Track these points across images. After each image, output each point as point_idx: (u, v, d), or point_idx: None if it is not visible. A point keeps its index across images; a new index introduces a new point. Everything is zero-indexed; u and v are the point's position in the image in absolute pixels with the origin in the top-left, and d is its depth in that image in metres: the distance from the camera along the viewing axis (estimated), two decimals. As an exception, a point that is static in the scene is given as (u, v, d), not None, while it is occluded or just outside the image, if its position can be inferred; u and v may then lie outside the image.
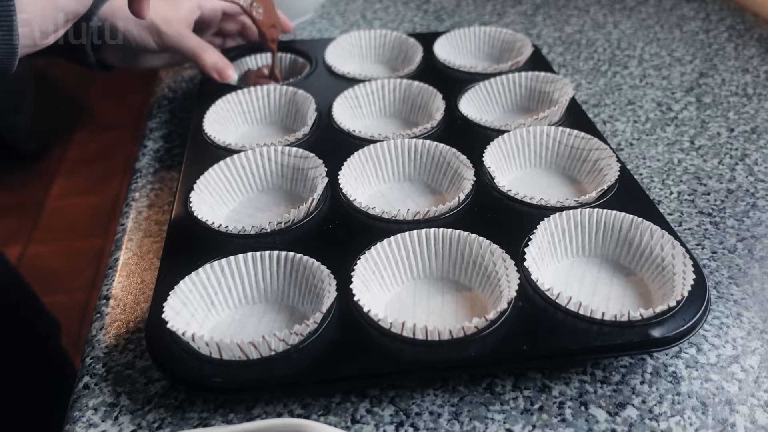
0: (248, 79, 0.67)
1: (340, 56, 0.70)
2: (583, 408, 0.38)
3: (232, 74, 0.63)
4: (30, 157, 1.97)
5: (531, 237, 0.44)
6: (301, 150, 0.53)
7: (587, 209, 0.46)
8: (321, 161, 0.51)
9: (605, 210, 0.45)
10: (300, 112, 0.61)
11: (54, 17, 0.41)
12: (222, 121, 0.61)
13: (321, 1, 0.87)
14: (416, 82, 0.62)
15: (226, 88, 0.65)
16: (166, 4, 0.60)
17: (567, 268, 0.45)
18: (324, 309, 0.39)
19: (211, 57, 0.60)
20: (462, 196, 0.48)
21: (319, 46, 0.71)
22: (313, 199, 0.48)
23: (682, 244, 0.43)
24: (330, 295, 0.40)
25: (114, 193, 1.85)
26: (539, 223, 0.44)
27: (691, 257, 0.42)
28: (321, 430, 0.34)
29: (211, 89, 0.65)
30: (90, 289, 1.53)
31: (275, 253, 0.43)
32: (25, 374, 0.81)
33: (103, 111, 2.23)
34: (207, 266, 0.42)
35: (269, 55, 0.69)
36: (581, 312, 0.39)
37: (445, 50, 0.71)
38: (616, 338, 0.38)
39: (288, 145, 0.54)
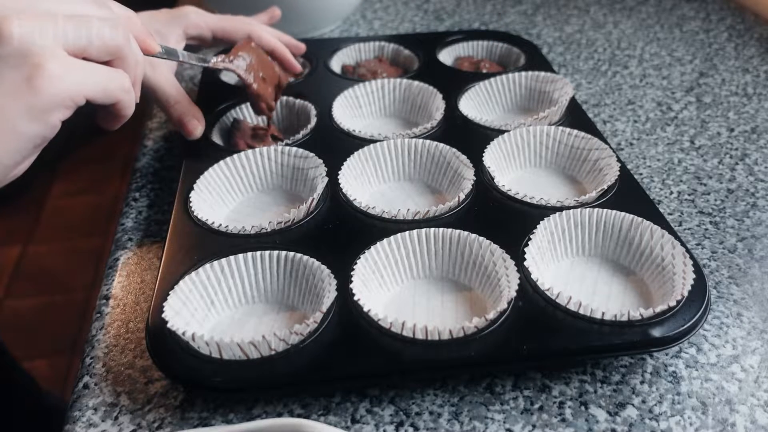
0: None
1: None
2: (583, 408, 0.38)
3: (194, 131, 0.56)
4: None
5: (531, 237, 0.44)
6: (301, 150, 0.52)
7: (587, 209, 0.46)
8: (321, 161, 0.51)
9: (605, 210, 0.45)
10: (301, 119, 0.61)
11: (17, 148, 0.34)
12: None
13: (350, 10, 0.85)
14: (416, 82, 0.62)
15: (226, 89, 0.65)
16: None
17: (567, 268, 0.45)
18: (324, 309, 0.39)
19: (177, 111, 0.55)
20: (462, 196, 0.48)
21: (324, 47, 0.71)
22: (313, 199, 0.48)
23: (682, 244, 0.43)
24: (330, 295, 0.40)
25: (114, 193, 1.85)
26: (539, 223, 0.44)
27: (691, 257, 0.42)
28: (321, 430, 0.34)
29: (212, 91, 0.65)
30: (90, 289, 1.53)
31: (275, 252, 0.43)
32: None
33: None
34: (207, 266, 0.42)
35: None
36: (581, 312, 0.39)
37: (451, 56, 0.72)
38: (616, 338, 0.38)
39: (288, 145, 0.54)
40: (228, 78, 0.68)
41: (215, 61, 0.53)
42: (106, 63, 0.37)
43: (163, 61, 0.54)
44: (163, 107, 0.55)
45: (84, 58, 0.36)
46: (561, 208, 0.47)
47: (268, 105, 0.57)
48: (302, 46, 0.66)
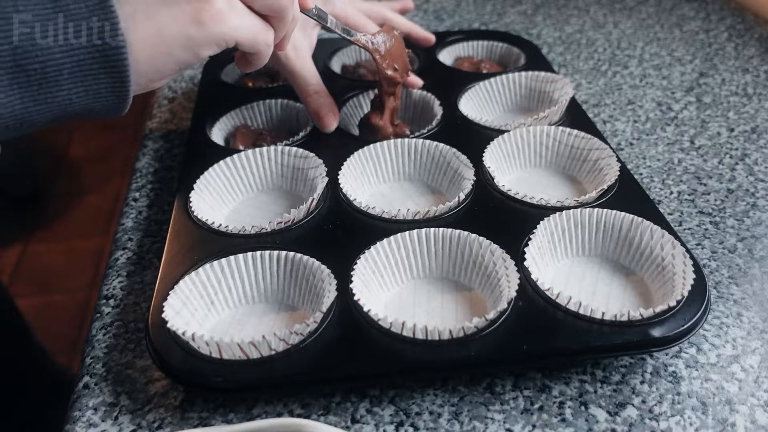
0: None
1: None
2: (583, 408, 0.38)
3: (330, 126, 0.57)
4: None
5: (531, 237, 0.44)
6: (301, 150, 0.52)
7: (587, 209, 0.46)
8: (321, 161, 0.51)
9: (605, 210, 0.45)
10: (300, 118, 0.61)
11: (164, 68, 0.38)
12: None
13: None
14: (417, 90, 0.62)
15: (225, 89, 0.65)
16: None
17: (567, 268, 0.45)
18: (324, 309, 0.39)
19: (315, 102, 0.56)
20: (462, 196, 0.48)
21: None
22: (313, 199, 0.48)
23: (682, 244, 0.42)
24: (330, 295, 0.40)
25: (114, 193, 1.84)
26: (539, 223, 0.44)
27: (691, 257, 0.42)
28: (321, 430, 0.34)
29: (211, 90, 0.65)
30: (90, 289, 1.53)
31: (275, 252, 0.43)
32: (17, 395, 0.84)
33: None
34: (207, 266, 0.42)
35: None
36: (581, 312, 0.39)
37: (451, 56, 0.72)
38: (616, 338, 0.38)
39: (288, 145, 0.54)
40: (228, 78, 0.68)
41: (358, 37, 0.53)
42: (264, 17, 0.41)
43: (305, 47, 0.56)
44: (302, 95, 0.56)
45: (249, 7, 0.40)
46: (561, 208, 0.47)
47: (393, 92, 0.56)
48: (432, 38, 0.69)
